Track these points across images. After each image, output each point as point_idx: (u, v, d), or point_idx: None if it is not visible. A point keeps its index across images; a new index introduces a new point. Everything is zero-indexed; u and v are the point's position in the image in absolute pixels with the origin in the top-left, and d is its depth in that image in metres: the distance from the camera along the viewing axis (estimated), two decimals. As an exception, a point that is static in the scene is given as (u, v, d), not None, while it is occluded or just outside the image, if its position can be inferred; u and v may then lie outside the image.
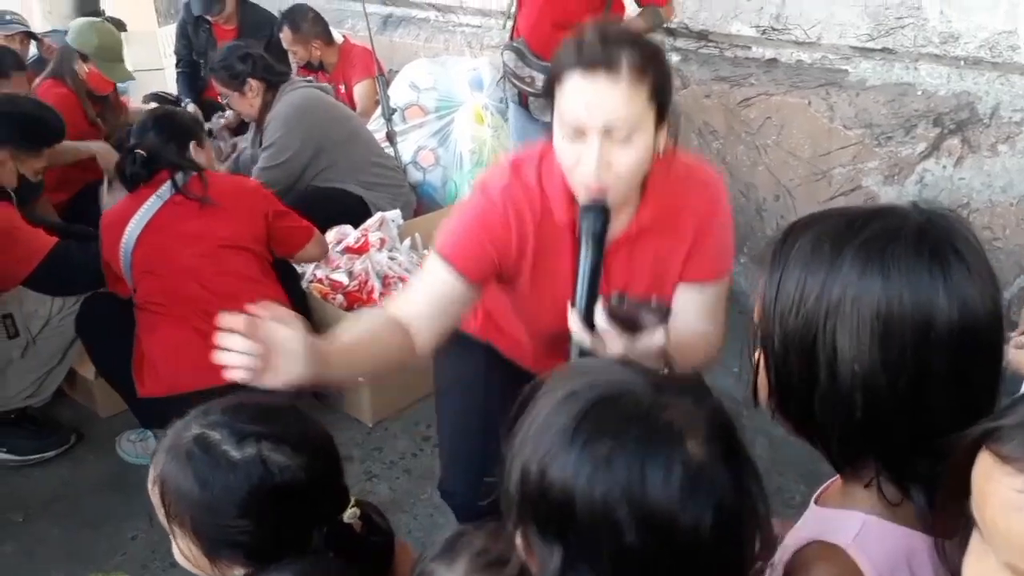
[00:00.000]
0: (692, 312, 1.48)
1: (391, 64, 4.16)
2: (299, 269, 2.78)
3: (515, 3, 2.95)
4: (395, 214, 3.12)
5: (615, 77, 1.24)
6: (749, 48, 3.09)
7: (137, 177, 2.31)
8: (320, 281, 2.80)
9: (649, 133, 1.30)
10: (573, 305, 1.28)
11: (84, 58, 3.34)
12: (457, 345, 1.60)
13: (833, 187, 2.95)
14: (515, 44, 2.89)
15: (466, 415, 1.67)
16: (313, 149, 3.14)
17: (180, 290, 2.28)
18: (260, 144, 3.18)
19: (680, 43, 3.28)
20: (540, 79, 2.82)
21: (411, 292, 1.48)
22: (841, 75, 2.88)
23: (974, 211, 2.61)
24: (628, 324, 1.24)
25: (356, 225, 3.01)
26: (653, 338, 1.23)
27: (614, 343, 1.22)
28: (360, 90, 4.08)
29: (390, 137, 3.64)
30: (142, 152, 2.31)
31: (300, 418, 1.14)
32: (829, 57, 2.90)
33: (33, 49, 4.05)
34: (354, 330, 1.36)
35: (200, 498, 1.05)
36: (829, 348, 0.80)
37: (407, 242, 3.06)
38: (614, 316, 1.23)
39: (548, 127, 1.36)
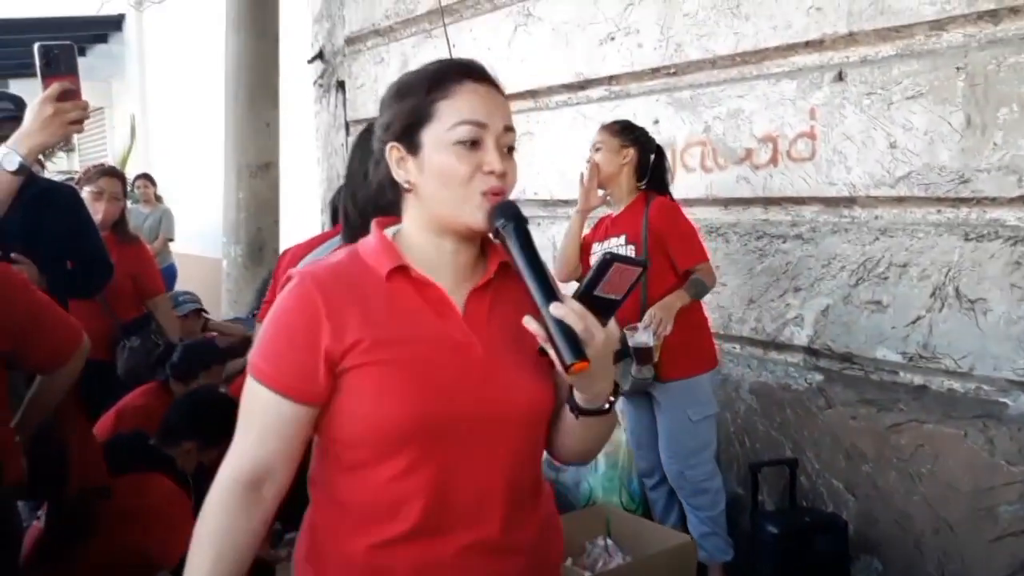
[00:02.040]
0: None
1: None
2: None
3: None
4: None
5: (498, 92, 1.27)
6: (896, 373, 3.05)
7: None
8: None
9: None
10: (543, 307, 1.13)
11: None
12: None
13: (1000, 526, 2.73)
14: None
15: None
16: None
17: None
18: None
19: (823, 363, 3.28)
20: None
21: (247, 433, 1.23)
22: (999, 407, 2.77)
23: None
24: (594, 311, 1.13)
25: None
26: (612, 328, 1.15)
27: (598, 329, 1.11)
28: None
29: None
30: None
31: None
32: (984, 388, 2.82)
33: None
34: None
35: None
36: None
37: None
38: (583, 301, 1.11)
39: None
